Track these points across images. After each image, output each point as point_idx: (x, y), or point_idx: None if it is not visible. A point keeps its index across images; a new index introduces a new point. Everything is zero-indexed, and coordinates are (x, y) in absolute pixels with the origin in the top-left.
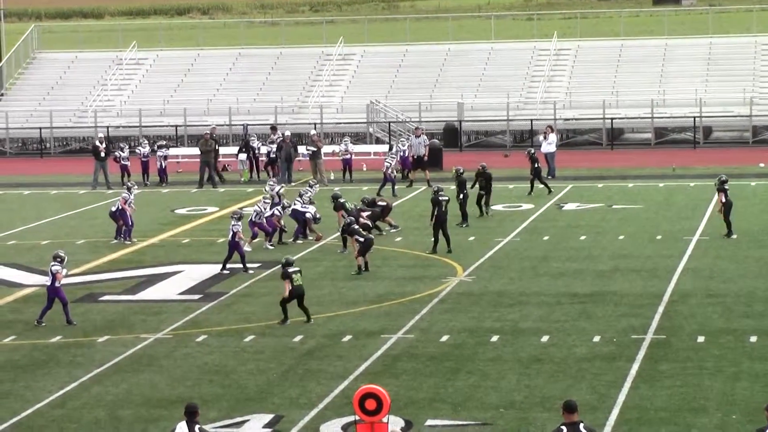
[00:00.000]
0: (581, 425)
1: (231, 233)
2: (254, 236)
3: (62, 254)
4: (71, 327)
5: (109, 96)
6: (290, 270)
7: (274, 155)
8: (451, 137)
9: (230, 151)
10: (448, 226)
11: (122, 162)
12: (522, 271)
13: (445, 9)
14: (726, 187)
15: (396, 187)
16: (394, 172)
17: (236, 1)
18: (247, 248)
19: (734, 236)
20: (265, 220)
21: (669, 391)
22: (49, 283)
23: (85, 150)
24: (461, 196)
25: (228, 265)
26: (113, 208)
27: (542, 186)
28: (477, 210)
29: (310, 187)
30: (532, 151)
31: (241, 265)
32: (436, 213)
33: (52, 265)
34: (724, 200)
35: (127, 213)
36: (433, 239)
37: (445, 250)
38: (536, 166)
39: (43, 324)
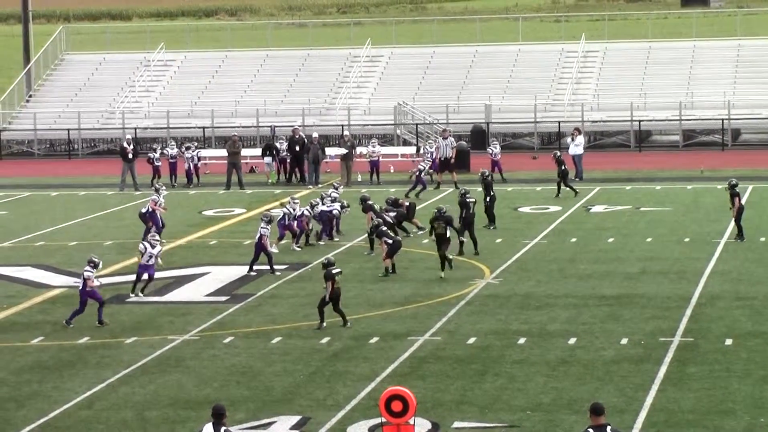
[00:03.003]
0: (608, 428)
1: (258, 235)
2: (281, 237)
3: (96, 259)
4: (99, 328)
5: (137, 97)
6: (333, 271)
7: (285, 153)
8: (479, 139)
9: (258, 153)
10: (475, 228)
11: (155, 163)
12: (549, 273)
13: (472, 11)
14: (737, 190)
15: (424, 190)
16: (427, 175)
17: (264, 2)
18: (273, 249)
19: (744, 239)
20: (295, 222)
21: (697, 394)
22: (80, 287)
23: (113, 151)
24: (488, 198)
25: (255, 267)
26: (143, 210)
27: (568, 189)
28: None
29: (335, 189)
30: (558, 153)
31: (267, 267)
32: (463, 215)
33: (85, 270)
34: (738, 204)
35: (158, 215)
36: (458, 242)
37: (472, 252)
38: (563, 168)
39: (72, 325)
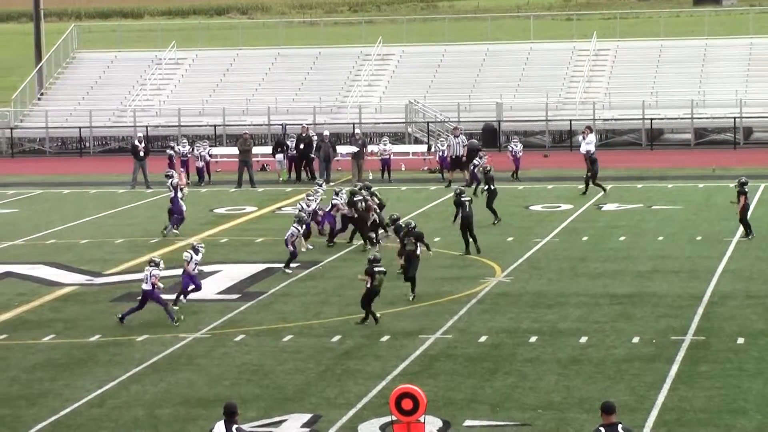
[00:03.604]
0: (619, 426)
1: (288, 233)
2: (307, 232)
3: (157, 259)
4: (110, 326)
5: (148, 96)
6: (375, 268)
7: (294, 151)
8: (490, 137)
9: (269, 151)
10: (476, 226)
11: (182, 159)
12: (560, 271)
13: (484, 9)
14: (746, 189)
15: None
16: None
17: (275, 1)
18: (307, 247)
19: (754, 236)
20: (321, 212)
21: (708, 393)
22: (148, 288)
23: (125, 149)
24: (486, 192)
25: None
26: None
27: (596, 186)
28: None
29: (319, 186)
30: (592, 151)
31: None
32: (460, 214)
33: (151, 270)
34: (744, 202)
35: (180, 203)
36: (463, 241)
37: (476, 251)
38: (594, 167)
39: (123, 322)
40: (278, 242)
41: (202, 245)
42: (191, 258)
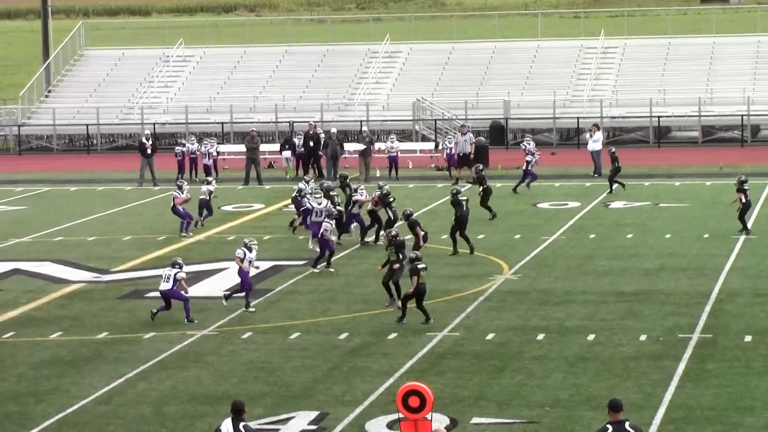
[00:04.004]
0: (626, 424)
1: (320, 231)
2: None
3: (180, 260)
4: (118, 323)
5: (156, 93)
6: (419, 266)
7: (301, 149)
8: (498, 135)
9: (277, 148)
10: (482, 225)
11: (190, 156)
12: (568, 269)
13: (491, 6)
14: (746, 187)
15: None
16: (534, 166)
17: None
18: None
19: (752, 235)
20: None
21: (716, 391)
22: (168, 287)
23: (132, 147)
24: (481, 192)
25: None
26: (201, 196)
27: (617, 184)
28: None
29: (306, 182)
30: (613, 149)
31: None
32: (457, 214)
33: (177, 273)
34: (744, 200)
35: (181, 209)
36: (452, 240)
37: (469, 251)
38: (617, 165)
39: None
40: (285, 239)
41: (255, 242)
42: (245, 255)
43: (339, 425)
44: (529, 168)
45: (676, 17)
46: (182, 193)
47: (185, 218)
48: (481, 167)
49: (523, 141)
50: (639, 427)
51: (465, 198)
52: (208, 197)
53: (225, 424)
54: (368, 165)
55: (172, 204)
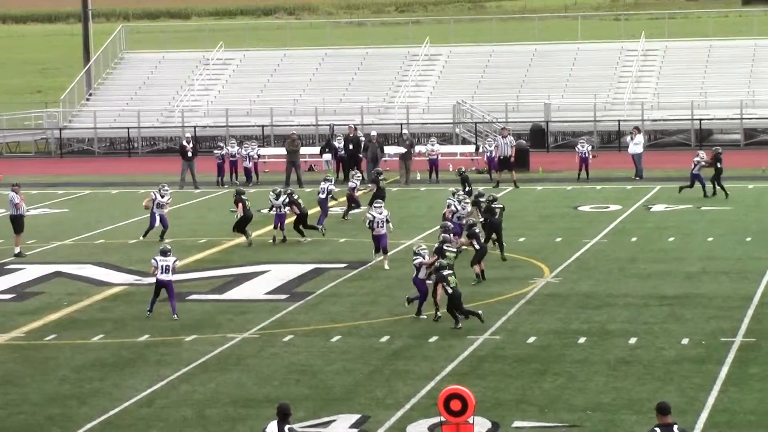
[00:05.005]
0: (675, 427)
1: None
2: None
3: (169, 247)
4: (159, 326)
5: (196, 96)
6: (446, 273)
7: (343, 152)
8: (538, 138)
9: (317, 151)
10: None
11: (230, 160)
12: (609, 272)
13: (531, 9)
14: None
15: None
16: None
17: (322, 1)
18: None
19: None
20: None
21: (759, 395)
22: (168, 278)
23: (173, 150)
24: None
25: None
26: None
27: (720, 188)
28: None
29: (329, 181)
30: (720, 150)
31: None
32: (488, 221)
33: (174, 261)
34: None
35: (156, 214)
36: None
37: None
38: (718, 166)
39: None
40: (326, 242)
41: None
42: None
43: (380, 428)
44: (695, 171)
45: (717, 19)
46: (159, 196)
47: (152, 225)
48: (463, 169)
49: (577, 144)
50: (687, 430)
51: (500, 206)
52: (325, 196)
53: (270, 426)
54: (408, 168)
55: (325, 197)
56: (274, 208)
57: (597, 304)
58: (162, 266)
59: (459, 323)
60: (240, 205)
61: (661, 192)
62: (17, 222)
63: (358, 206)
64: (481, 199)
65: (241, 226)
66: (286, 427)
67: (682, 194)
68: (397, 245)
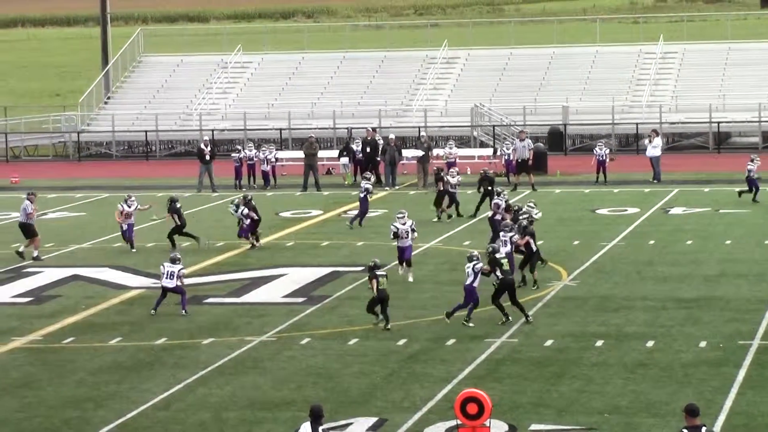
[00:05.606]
0: (703, 429)
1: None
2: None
3: (179, 255)
4: (176, 329)
5: (214, 99)
6: (378, 273)
7: (360, 155)
8: (556, 141)
9: (335, 154)
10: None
11: (248, 163)
12: (627, 275)
13: (549, 12)
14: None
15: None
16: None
17: (341, 4)
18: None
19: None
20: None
21: None
22: (175, 285)
23: (191, 153)
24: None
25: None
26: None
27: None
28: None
29: (367, 180)
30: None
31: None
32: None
33: (180, 269)
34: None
35: (123, 227)
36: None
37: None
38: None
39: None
40: (344, 245)
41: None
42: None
43: (397, 431)
44: (751, 176)
45: (736, 22)
46: (126, 206)
47: (125, 235)
48: (439, 169)
49: (595, 147)
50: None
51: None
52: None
53: (304, 427)
54: (426, 171)
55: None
56: (240, 221)
57: (614, 307)
58: (167, 272)
59: (378, 323)
60: (173, 214)
61: (680, 195)
62: (27, 229)
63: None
64: (521, 216)
65: (175, 233)
66: (320, 428)
67: (704, 197)
68: (414, 248)
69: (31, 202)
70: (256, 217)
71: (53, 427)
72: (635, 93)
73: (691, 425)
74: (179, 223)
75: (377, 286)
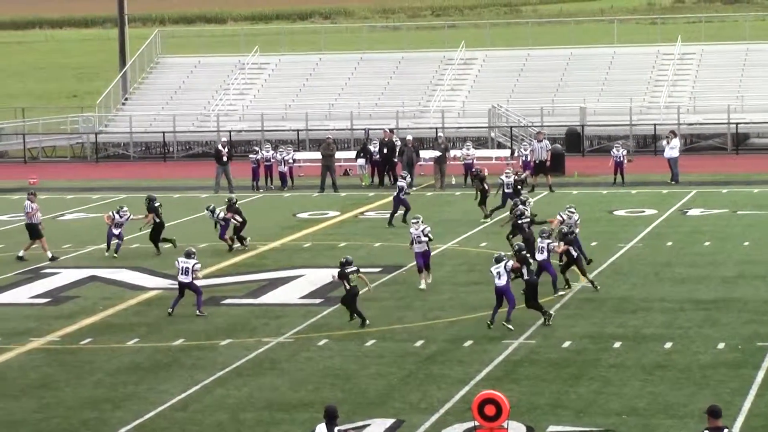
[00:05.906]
0: (725, 431)
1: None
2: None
3: (194, 250)
4: (194, 330)
5: (232, 100)
6: (347, 270)
7: (377, 156)
8: (574, 142)
9: (352, 155)
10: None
11: (265, 164)
12: (645, 276)
13: (567, 13)
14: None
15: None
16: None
17: (358, 5)
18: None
19: None
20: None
21: None
22: (191, 280)
23: (208, 154)
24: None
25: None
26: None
27: None
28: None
29: (403, 179)
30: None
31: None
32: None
33: (194, 264)
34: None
35: (111, 230)
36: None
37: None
38: None
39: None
40: (361, 246)
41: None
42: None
43: None
44: None
45: (754, 23)
46: (118, 216)
47: (110, 239)
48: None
49: (613, 148)
50: None
51: (528, 220)
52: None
53: (319, 428)
54: (443, 172)
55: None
56: (217, 224)
57: (632, 309)
58: (182, 267)
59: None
60: (151, 214)
61: (698, 196)
62: (32, 230)
63: (407, 209)
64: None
65: (156, 236)
66: (336, 429)
67: (722, 198)
68: (431, 250)
69: (31, 202)
70: (240, 220)
71: (71, 427)
72: (653, 94)
73: (713, 426)
74: (158, 220)
75: (348, 284)
